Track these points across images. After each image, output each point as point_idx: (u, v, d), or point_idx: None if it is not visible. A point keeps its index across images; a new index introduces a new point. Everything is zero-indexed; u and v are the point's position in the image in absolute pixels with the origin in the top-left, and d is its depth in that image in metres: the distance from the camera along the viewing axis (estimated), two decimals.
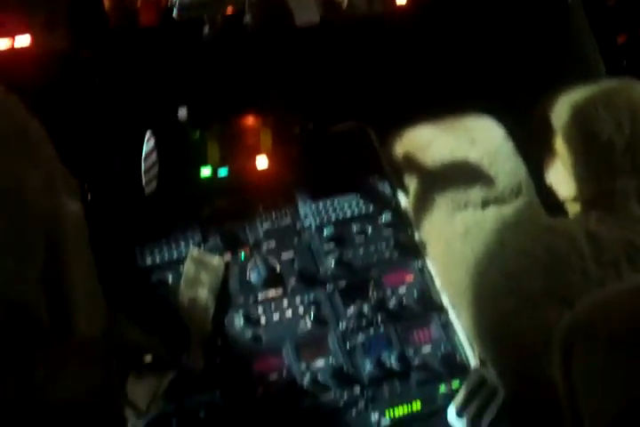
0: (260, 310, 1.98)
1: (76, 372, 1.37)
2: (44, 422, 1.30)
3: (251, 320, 1.95)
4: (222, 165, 2.18)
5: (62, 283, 1.53)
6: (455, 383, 1.91)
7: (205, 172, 2.17)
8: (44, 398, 1.31)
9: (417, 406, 1.88)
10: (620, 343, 1.47)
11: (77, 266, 1.69)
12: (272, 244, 2.10)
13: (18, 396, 1.30)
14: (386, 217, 2.14)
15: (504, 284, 1.88)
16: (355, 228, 2.14)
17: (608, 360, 1.49)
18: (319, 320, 1.97)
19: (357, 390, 1.89)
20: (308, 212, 2.16)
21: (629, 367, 1.45)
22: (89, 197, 2.10)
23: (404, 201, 2.21)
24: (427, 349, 1.95)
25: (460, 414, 1.81)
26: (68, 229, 1.66)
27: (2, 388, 1.29)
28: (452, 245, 2.01)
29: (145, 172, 2.01)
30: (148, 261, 2.03)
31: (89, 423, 1.35)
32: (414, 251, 2.12)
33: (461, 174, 2.11)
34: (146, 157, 2.00)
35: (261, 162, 2.20)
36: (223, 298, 1.98)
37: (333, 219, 2.15)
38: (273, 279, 2.02)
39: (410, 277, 2.06)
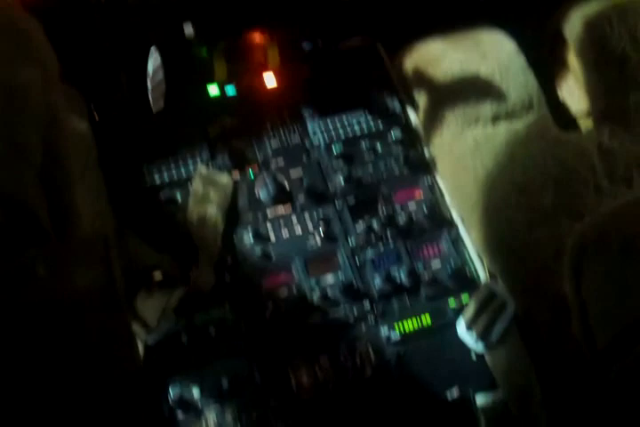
0: (269, 227, 1.94)
1: (77, 269, 1.33)
2: (45, 319, 1.26)
3: (260, 237, 1.91)
4: (229, 82, 2.11)
5: (65, 193, 1.48)
6: (465, 298, 1.86)
7: (213, 89, 2.10)
8: (45, 294, 1.27)
9: (427, 320, 1.84)
10: (632, 251, 1.42)
11: (82, 182, 1.64)
12: (281, 161, 2.04)
13: (18, 291, 1.25)
14: (395, 134, 2.06)
15: (514, 198, 1.81)
16: (364, 145, 2.06)
17: (619, 269, 1.44)
18: (328, 237, 1.92)
19: (367, 305, 1.85)
20: (316, 129, 2.09)
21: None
22: (96, 117, 2.04)
23: (413, 117, 2.13)
24: (436, 264, 1.90)
25: (469, 327, 1.77)
26: (71, 143, 1.60)
27: (2, 283, 1.25)
28: (462, 160, 1.95)
29: (152, 90, 1.94)
30: (157, 179, 1.97)
31: (91, 322, 1.31)
32: (424, 167, 2.05)
33: (472, 89, 2.03)
34: (152, 75, 1.93)
35: (269, 79, 2.13)
36: (232, 216, 1.94)
37: (342, 136, 2.08)
38: (282, 197, 1.97)
39: (419, 194, 2.00)
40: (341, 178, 1.99)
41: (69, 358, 1.26)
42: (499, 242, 1.82)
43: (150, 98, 1.93)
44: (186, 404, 1.71)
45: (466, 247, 1.93)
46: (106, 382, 1.33)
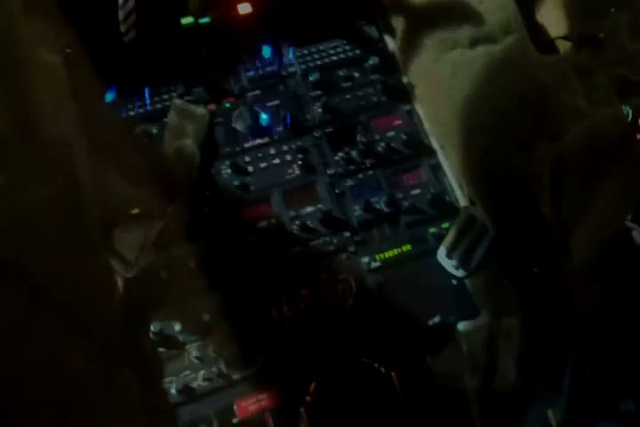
0: (247, 158, 1.82)
1: (39, 175, 1.19)
2: (8, 228, 1.14)
3: (238, 169, 1.80)
4: (203, 15, 1.96)
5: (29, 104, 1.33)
6: (445, 225, 1.76)
7: (186, 18, 1.95)
8: (6, 204, 1.14)
9: (407, 247, 1.75)
10: (608, 165, 1.34)
11: (52, 111, 1.50)
12: (257, 92, 1.90)
13: None
14: (373, 61, 1.93)
15: (493, 122, 1.70)
16: (341, 73, 1.94)
17: (597, 183, 1.36)
18: (307, 167, 1.81)
19: (347, 234, 1.75)
20: (292, 58, 1.95)
21: (620, 182, 1.33)
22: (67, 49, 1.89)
23: (391, 44, 1.99)
24: (416, 191, 1.80)
25: (449, 254, 1.67)
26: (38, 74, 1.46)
27: None
28: (440, 85, 1.82)
29: (123, 19, 1.79)
30: (131, 113, 1.84)
31: (53, 237, 1.19)
32: (402, 94, 1.92)
33: (449, 13, 1.88)
34: (123, 4, 1.78)
35: (244, 8, 1.97)
36: (209, 148, 1.81)
37: (319, 64, 1.94)
38: (259, 128, 1.84)
39: (398, 121, 1.88)
40: (319, 107, 1.87)
41: (29, 274, 1.14)
42: (478, 167, 1.71)
43: (122, 27, 1.78)
44: (167, 338, 1.62)
45: (445, 174, 1.82)
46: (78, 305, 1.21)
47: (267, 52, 1.96)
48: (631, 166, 1.44)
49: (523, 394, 1.60)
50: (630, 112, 1.64)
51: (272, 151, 1.83)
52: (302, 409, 1.58)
